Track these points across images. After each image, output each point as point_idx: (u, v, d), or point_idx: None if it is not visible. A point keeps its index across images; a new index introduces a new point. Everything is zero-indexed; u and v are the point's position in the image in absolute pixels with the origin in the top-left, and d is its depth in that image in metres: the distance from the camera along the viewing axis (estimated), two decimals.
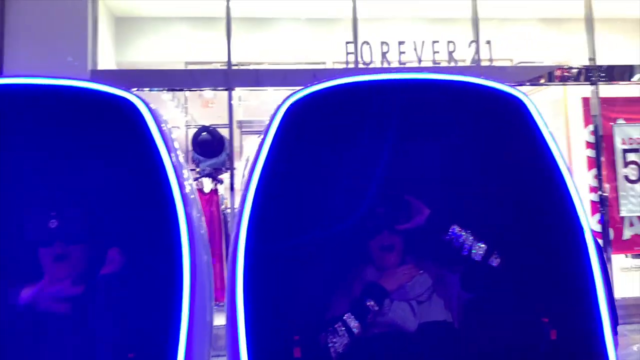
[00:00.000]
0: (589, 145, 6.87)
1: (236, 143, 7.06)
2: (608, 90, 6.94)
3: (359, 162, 1.90)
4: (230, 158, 6.49)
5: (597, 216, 6.42)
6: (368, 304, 1.79)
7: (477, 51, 6.75)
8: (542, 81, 6.87)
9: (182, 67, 7.25)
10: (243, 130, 7.83)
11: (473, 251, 1.76)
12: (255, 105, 8.37)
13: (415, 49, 6.63)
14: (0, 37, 5.85)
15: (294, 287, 1.77)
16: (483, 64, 6.69)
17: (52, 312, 1.62)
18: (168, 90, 7.06)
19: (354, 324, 1.76)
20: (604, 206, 6.48)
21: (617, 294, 4.83)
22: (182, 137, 7.31)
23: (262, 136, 1.74)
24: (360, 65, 6.52)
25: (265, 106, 7.46)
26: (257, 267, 1.60)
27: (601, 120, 6.73)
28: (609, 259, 6.19)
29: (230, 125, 6.40)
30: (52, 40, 6.00)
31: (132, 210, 1.64)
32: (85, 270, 1.64)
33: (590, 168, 6.81)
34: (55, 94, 1.64)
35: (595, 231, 5.97)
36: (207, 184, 6.64)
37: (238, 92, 7.25)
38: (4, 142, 1.63)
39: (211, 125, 6.56)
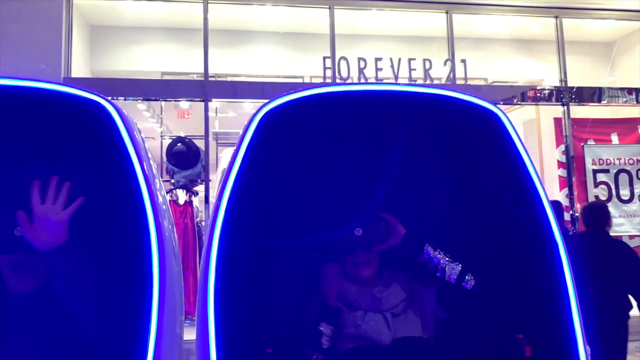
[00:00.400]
0: (560, 164, 7.02)
1: (212, 155, 6.99)
2: (580, 111, 7.12)
3: (334, 173, 1.88)
4: (206, 170, 6.42)
5: None
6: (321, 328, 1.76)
7: (453, 69, 6.85)
8: (515, 100, 7.01)
9: (158, 77, 7.18)
10: (219, 142, 7.77)
11: (447, 273, 1.76)
12: (232, 117, 8.33)
13: (392, 66, 6.71)
14: None
15: (266, 300, 1.73)
16: (458, 82, 6.80)
17: (8, 324, 1.54)
18: (143, 99, 6.98)
19: (326, 337, 1.74)
20: (576, 225, 6.59)
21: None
22: (157, 147, 7.20)
23: (236, 145, 1.71)
24: (338, 80, 6.56)
25: (242, 118, 7.43)
26: (228, 279, 1.56)
27: (572, 140, 6.88)
28: None
29: (206, 137, 6.34)
30: (25, 47, 5.89)
31: (100, 217, 1.58)
32: (48, 280, 1.57)
33: (562, 187, 6.96)
34: (23, 96, 1.58)
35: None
36: (182, 196, 6.55)
37: (215, 103, 7.21)
38: None
39: (187, 136, 6.49)
